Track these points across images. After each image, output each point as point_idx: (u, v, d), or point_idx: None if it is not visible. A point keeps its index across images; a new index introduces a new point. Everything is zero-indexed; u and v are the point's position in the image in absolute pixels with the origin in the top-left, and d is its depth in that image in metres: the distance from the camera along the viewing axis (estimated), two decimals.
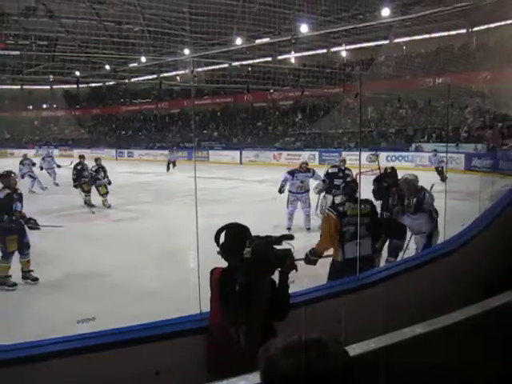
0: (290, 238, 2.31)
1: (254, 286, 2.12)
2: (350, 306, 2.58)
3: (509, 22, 16.18)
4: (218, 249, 2.41)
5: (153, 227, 8.82)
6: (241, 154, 27.60)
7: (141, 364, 2.09)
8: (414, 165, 20.47)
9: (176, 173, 18.43)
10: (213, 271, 2.42)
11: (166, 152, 31.08)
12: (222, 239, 2.41)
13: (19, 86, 41.88)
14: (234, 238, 2.39)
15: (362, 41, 26.99)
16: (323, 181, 8.92)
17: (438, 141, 21.49)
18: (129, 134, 38.94)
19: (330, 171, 9.16)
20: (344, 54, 30.89)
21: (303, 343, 1.00)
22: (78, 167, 12.62)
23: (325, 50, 30.16)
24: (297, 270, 2.27)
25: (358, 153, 19.65)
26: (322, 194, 8.99)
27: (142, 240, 7.73)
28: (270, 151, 26.88)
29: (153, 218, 10.23)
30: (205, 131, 33.10)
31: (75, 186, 12.31)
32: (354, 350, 1.46)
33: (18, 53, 23.64)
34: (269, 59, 31.01)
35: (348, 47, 29.62)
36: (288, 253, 2.22)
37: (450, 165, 17.66)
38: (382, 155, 21.30)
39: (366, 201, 4.58)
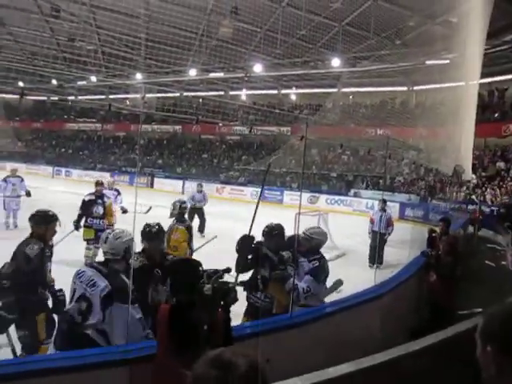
0: (229, 271, 2.31)
1: (213, 323, 2.08)
2: (281, 344, 2.57)
3: (444, 85, 17.51)
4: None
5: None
6: (183, 184, 27.37)
7: None
8: (352, 209, 21.20)
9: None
10: (159, 309, 2.31)
11: (107, 174, 30.41)
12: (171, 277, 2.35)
13: None
14: (188, 274, 2.33)
15: (312, 86, 28.12)
16: None
17: (376, 188, 22.49)
18: (69, 152, 37.66)
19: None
20: (294, 97, 31.98)
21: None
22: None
23: (276, 91, 31.09)
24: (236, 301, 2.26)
25: (299, 193, 20.09)
26: None
27: None
28: (214, 184, 26.87)
29: None
30: (149, 157, 32.67)
31: None
32: None
33: None
34: (221, 93, 31.48)
35: (298, 91, 30.75)
36: (232, 287, 2.22)
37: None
38: (322, 198, 21.99)
39: None
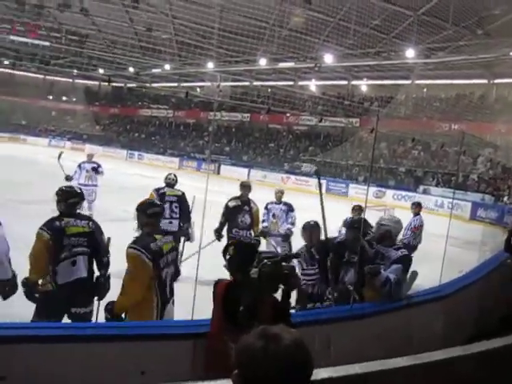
0: (295, 256, 2.36)
1: (258, 307, 2.15)
2: (340, 334, 2.61)
3: None
4: (225, 262, 2.45)
5: None
6: (249, 172, 27.72)
7: (127, 361, 2.13)
8: None
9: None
10: (217, 284, 2.45)
11: (177, 160, 31.46)
12: (229, 253, 2.45)
13: (42, 76, 42.55)
14: (242, 254, 2.43)
15: (384, 78, 27.32)
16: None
17: (447, 186, 21.55)
18: (142, 136, 39.29)
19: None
20: (364, 88, 31.24)
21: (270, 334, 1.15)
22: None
23: (346, 82, 30.52)
24: (299, 288, 2.32)
25: (365, 187, 19.72)
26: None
27: None
28: (279, 173, 26.98)
29: None
30: (217, 144, 33.34)
31: None
32: (338, 371, 1.50)
33: (48, 44, 24.10)
34: (290, 83, 31.39)
35: (369, 82, 30.00)
36: (291, 271, 2.27)
37: (455, 211, 17.68)
38: (389, 193, 21.42)
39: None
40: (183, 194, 7.05)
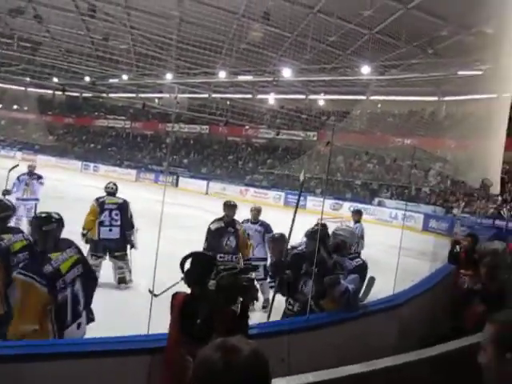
0: (253, 269, 2.37)
1: (215, 319, 2.13)
2: (296, 345, 2.63)
3: (475, 96, 17.23)
4: (182, 275, 2.42)
5: None
6: (208, 184, 27.64)
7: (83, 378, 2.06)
8: (375, 218, 21.02)
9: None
10: (175, 296, 2.42)
11: (134, 172, 30.96)
12: (187, 266, 2.42)
13: None
14: (199, 266, 2.40)
15: (340, 93, 28.05)
16: None
17: (400, 198, 22.25)
18: (98, 147, 38.45)
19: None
20: (321, 102, 31.95)
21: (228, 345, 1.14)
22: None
23: (303, 96, 31.12)
24: (257, 301, 2.32)
25: (322, 199, 20.05)
26: None
27: None
28: (238, 186, 27.04)
29: None
30: (175, 156, 33.09)
31: None
32: (293, 380, 1.51)
33: None
34: (249, 96, 31.68)
35: (326, 97, 30.72)
36: (251, 283, 2.27)
37: (408, 223, 18.24)
38: (346, 205, 21.88)
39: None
40: (124, 201, 7.00)
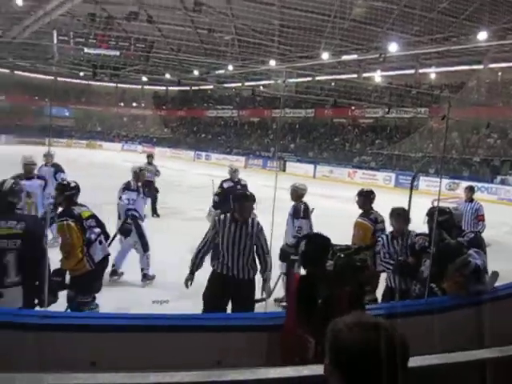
0: (367, 248, 2.36)
1: (334, 299, 2.16)
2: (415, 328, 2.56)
3: None
4: (297, 257, 2.47)
5: None
6: (315, 168, 27.54)
7: (203, 351, 2.22)
8: (498, 198, 19.36)
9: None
10: (291, 275, 2.49)
11: (243, 158, 31.92)
12: (302, 248, 2.47)
13: (115, 84, 44.87)
14: (315, 248, 2.44)
15: (454, 64, 26.02)
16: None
17: None
18: (208, 137, 40.24)
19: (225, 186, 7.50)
20: (433, 76, 29.94)
21: (369, 322, 1.12)
22: None
23: (413, 71, 29.41)
24: (377, 279, 2.30)
25: (437, 179, 18.93)
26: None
27: None
28: (345, 168, 26.56)
29: None
30: (281, 142, 33.42)
31: None
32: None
33: (117, 53, 25.32)
34: (354, 76, 30.78)
35: (438, 69, 28.69)
36: (363, 263, 2.26)
37: None
38: (464, 185, 20.42)
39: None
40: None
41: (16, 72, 39.12)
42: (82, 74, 36.92)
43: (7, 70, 37.49)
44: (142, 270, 6.17)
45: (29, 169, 6.73)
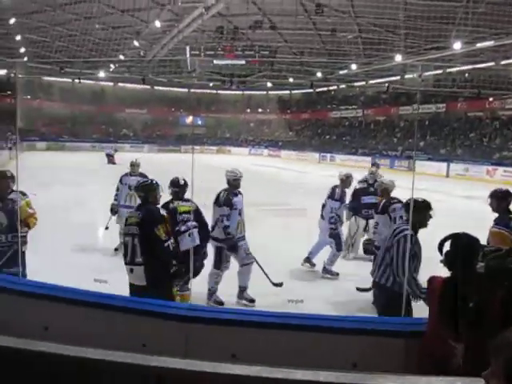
0: None
1: (487, 304, 2.06)
2: None
3: None
4: (442, 257, 2.39)
5: None
6: (448, 166, 25.76)
7: (339, 354, 2.26)
8: None
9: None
10: (431, 280, 2.41)
11: (369, 158, 31.11)
12: (446, 248, 2.38)
13: (241, 92, 46.98)
14: (461, 248, 2.34)
15: None
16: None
17: None
18: (333, 138, 40.00)
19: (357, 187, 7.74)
20: None
21: None
22: None
23: None
24: None
25: None
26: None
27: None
28: (483, 165, 24.39)
29: None
30: (410, 140, 31.89)
31: None
32: None
33: (243, 62, 26.48)
34: (491, 64, 28.14)
35: None
36: None
37: None
38: None
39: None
40: None
41: (155, 87, 43.08)
42: (211, 84, 39.31)
43: (148, 86, 41.41)
44: (324, 267, 6.51)
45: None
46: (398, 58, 26.03)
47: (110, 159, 25.48)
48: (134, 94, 43.40)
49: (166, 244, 3.84)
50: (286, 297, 2.59)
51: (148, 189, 4.17)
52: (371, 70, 30.16)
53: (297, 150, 38.42)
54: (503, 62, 27.93)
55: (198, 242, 4.60)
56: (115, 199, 7.63)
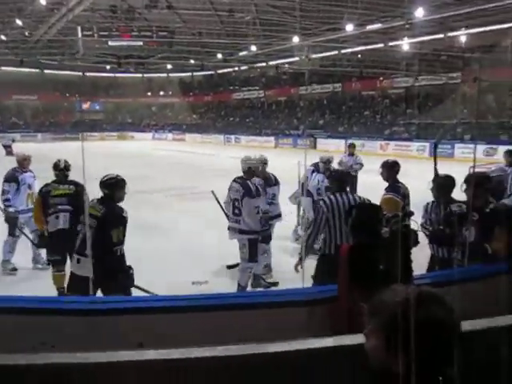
0: (412, 214, 2.37)
1: (394, 265, 2.19)
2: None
3: None
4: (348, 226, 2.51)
5: None
6: (346, 142, 27.13)
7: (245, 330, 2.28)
8: None
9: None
10: (339, 248, 2.54)
11: (272, 138, 31.82)
12: (353, 217, 2.50)
13: (140, 75, 45.36)
14: (366, 216, 2.48)
15: (486, 24, 24.91)
16: None
17: None
18: (237, 120, 40.25)
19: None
20: (463, 38, 28.79)
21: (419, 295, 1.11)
22: None
23: (442, 35, 28.34)
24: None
25: (472, 145, 18.39)
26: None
27: None
28: (377, 141, 26.10)
29: None
30: (310, 119, 33.11)
31: None
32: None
33: (141, 43, 25.55)
34: (380, 45, 29.97)
35: (468, 31, 27.52)
36: (413, 230, 2.28)
37: None
38: (502, 149, 19.74)
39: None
40: None
41: (45, 71, 40.03)
42: (108, 67, 37.50)
43: (37, 70, 38.39)
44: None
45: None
46: (296, 39, 26.74)
47: (8, 150, 23.25)
48: (21, 79, 39.75)
49: (115, 248, 3.65)
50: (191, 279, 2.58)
51: (115, 186, 3.87)
52: (270, 51, 30.66)
53: (201, 133, 38.15)
54: (391, 44, 29.88)
55: (64, 225, 4.69)
56: (7, 205, 5.73)
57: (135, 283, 3.67)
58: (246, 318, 2.27)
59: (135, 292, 3.72)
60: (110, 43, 25.19)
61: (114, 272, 3.59)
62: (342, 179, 4.23)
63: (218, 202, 5.76)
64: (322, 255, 3.92)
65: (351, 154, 10.28)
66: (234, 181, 5.13)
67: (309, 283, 3.42)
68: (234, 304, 2.31)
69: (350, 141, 19.98)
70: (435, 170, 4.06)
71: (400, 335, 1.06)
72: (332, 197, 3.98)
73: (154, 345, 1.83)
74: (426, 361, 1.08)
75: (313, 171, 6.93)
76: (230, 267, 5.50)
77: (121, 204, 3.84)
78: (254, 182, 5.06)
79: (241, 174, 5.19)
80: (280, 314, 2.27)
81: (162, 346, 1.75)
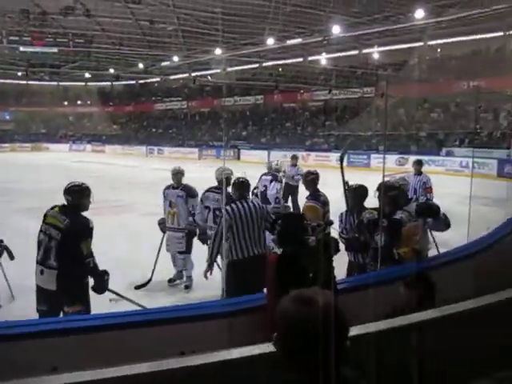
0: (332, 223, 2.47)
1: (323, 273, 2.25)
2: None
3: None
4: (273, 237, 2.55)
5: None
6: (269, 154, 27.67)
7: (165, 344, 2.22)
8: (445, 169, 20.18)
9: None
10: (266, 258, 2.57)
11: (196, 150, 31.64)
12: (279, 228, 2.56)
13: (56, 83, 43.20)
14: (291, 225, 2.55)
15: (395, 43, 26.72)
16: None
17: (471, 146, 21.11)
18: (159, 131, 39.58)
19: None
20: (376, 56, 30.65)
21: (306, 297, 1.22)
22: None
23: (356, 52, 29.97)
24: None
25: (387, 156, 19.50)
26: None
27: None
28: (299, 152, 26.79)
29: None
30: (233, 130, 33.38)
31: None
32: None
33: (56, 50, 24.41)
34: (300, 60, 31.05)
35: (380, 49, 29.37)
36: (335, 239, 2.41)
37: (482, 170, 17.37)
38: (412, 159, 21.10)
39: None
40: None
41: None
42: (19, 74, 35.32)
43: None
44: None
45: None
46: (218, 51, 26.93)
47: None
48: None
49: (87, 260, 3.42)
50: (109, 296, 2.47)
51: (80, 194, 3.63)
52: (191, 62, 30.62)
53: (122, 144, 37.00)
54: (310, 59, 31.08)
55: None
56: None
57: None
58: (161, 332, 2.22)
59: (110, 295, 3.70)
60: (21, 49, 23.78)
61: (85, 284, 3.53)
62: (243, 187, 4.41)
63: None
64: (229, 263, 4.00)
65: (294, 165, 10.86)
66: (210, 191, 5.37)
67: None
68: (156, 320, 2.25)
69: (292, 152, 20.63)
70: (343, 181, 4.40)
71: (290, 342, 1.17)
72: (233, 205, 4.13)
73: (68, 367, 1.72)
74: (314, 361, 1.15)
75: (271, 180, 7.33)
76: (138, 287, 5.50)
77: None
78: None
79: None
80: (201, 327, 2.25)
81: (77, 368, 1.65)
